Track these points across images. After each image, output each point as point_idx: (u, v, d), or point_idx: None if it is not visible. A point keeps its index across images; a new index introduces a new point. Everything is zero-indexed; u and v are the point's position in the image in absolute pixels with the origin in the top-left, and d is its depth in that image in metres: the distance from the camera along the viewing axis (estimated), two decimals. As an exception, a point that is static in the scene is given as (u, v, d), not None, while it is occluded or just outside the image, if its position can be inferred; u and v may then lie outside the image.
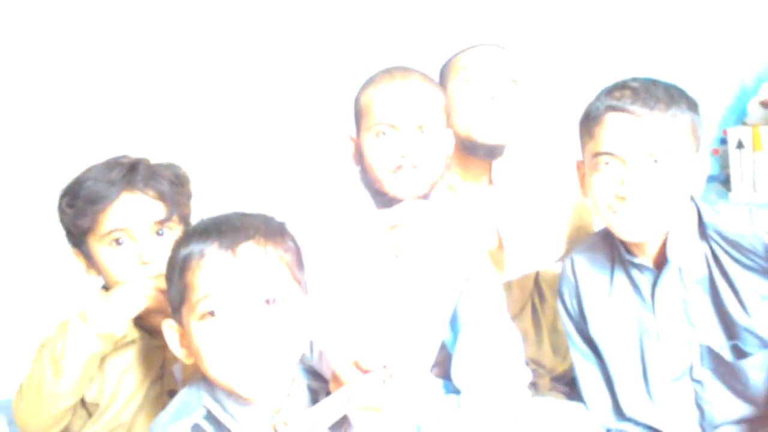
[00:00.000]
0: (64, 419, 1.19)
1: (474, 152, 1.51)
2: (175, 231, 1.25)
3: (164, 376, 1.25)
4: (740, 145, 2.66)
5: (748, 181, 2.65)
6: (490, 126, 1.50)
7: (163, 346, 1.24)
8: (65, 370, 1.14)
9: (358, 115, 1.33)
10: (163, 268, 1.19)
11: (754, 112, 2.67)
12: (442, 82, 1.59)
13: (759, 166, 2.63)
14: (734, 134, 2.67)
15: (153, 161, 1.28)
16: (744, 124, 2.72)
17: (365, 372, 0.85)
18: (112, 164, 1.23)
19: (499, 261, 1.28)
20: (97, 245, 1.21)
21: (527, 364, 1.52)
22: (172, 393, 1.22)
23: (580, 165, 1.21)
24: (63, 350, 1.14)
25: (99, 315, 1.15)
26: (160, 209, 1.21)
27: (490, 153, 1.55)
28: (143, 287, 1.18)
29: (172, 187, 1.24)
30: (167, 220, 1.23)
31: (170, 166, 1.29)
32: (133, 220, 1.19)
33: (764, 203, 2.54)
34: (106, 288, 1.26)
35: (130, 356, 1.23)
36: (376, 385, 0.83)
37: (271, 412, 0.93)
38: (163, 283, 1.19)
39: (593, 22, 2.70)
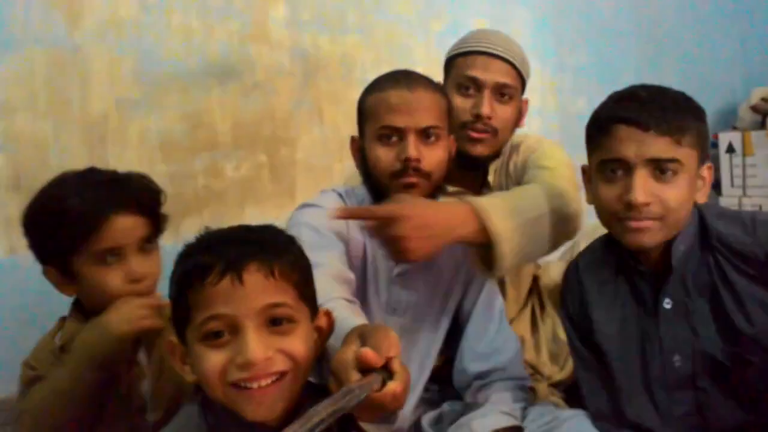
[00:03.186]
0: None
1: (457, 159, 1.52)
2: (155, 245, 1.25)
3: (131, 393, 1.23)
4: (730, 149, 2.69)
5: (738, 185, 2.69)
6: (470, 142, 1.51)
7: (131, 361, 1.24)
8: (71, 399, 1.14)
9: (363, 118, 1.33)
10: (152, 284, 1.20)
11: (745, 116, 2.70)
12: (444, 72, 1.59)
13: (749, 170, 2.66)
14: (724, 138, 2.70)
15: (123, 174, 1.27)
16: (734, 128, 2.75)
17: (366, 371, 0.84)
18: (92, 182, 1.21)
19: (486, 258, 1.25)
20: (81, 264, 1.19)
21: (525, 368, 1.53)
22: (140, 409, 1.23)
23: (586, 170, 1.21)
24: (68, 381, 1.14)
25: (99, 346, 1.15)
26: (146, 226, 1.22)
27: (472, 164, 1.55)
28: (136, 312, 1.16)
29: (153, 202, 1.24)
30: (154, 236, 1.23)
31: (145, 179, 1.28)
32: (122, 238, 1.18)
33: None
34: (80, 303, 1.25)
35: None
36: (376, 384, 0.82)
37: None
38: (154, 300, 1.19)
39: (589, 27, 2.71)
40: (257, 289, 0.85)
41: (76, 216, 1.17)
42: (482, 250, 1.25)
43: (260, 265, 0.86)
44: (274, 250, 0.89)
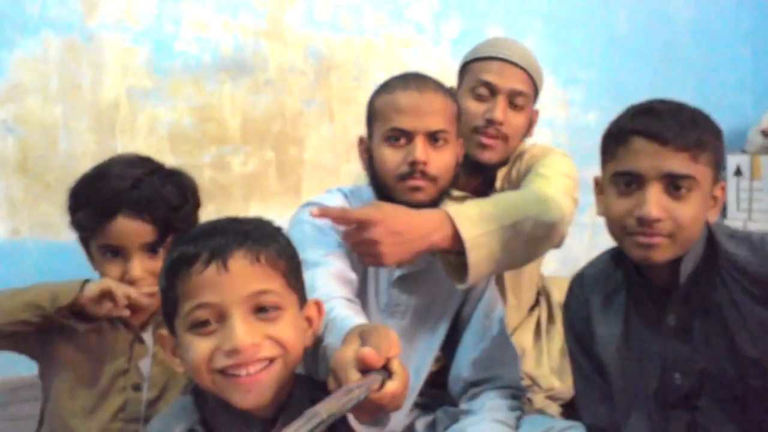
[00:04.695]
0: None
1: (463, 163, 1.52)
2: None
3: (129, 370, 1.24)
4: (738, 172, 2.68)
5: (744, 208, 2.67)
6: (479, 147, 1.51)
7: (133, 340, 1.25)
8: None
9: (371, 120, 1.33)
10: (152, 288, 1.19)
11: (755, 140, 2.69)
12: (459, 76, 1.59)
13: (756, 194, 2.65)
14: (733, 161, 2.69)
15: (165, 171, 1.28)
16: (743, 151, 2.74)
17: (365, 371, 0.83)
18: (120, 175, 1.22)
19: (462, 265, 1.24)
20: (94, 249, 1.23)
21: (523, 378, 1.52)
22: (135, 387, 1.24)
23: (598, 181, 1.19)
24: (16, 299, 1.15)
25: (66, 289, 1.16)
26: (151, 233, 1.21)
27: (479, 170, 1.55)
28: (108, 287, 1.17)
29: (170, 211, 1.23)
30: (159, 242, 1.23)
31: (177, 179, 1.28)
32: (123, 240, 1.20)
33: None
34: None
35: (99, 343, 1.23)
36: (375, 384, 0.82)
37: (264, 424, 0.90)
38: (136, 293, 1.18)
39: (603, 43, 2.71)
40: (243, 277, 0.86)
41: (89, 206, 1.20)
42: (458, 257, 1.24)
43: (246, 252, 0.87)
44: (260, 238, 0.89)
